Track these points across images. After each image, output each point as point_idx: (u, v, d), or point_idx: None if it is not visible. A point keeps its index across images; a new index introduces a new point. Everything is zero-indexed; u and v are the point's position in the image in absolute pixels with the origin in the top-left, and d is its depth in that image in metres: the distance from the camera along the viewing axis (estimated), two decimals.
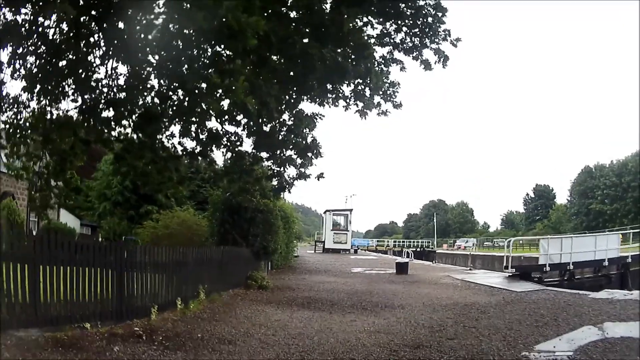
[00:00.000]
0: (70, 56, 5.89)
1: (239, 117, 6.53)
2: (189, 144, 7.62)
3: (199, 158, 7.64)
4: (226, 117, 6.52)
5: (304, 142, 6.80)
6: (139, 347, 5.32)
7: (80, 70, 5.99)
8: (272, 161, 7.56)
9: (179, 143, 7.48)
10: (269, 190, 8.77)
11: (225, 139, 7.38)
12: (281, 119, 6.62)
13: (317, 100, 6.60)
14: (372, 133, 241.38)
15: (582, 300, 9.18)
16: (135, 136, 6.86)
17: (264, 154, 7.31)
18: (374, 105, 6.80)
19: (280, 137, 6.79)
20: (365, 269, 17.75)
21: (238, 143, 7.49)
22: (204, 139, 7.36)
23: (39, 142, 6.66)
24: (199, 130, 7.04)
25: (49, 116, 6.47)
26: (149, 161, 7.28)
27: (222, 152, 7.65)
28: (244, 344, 5.61)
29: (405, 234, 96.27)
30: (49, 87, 6.14)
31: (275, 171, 7.84)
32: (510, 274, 13.59)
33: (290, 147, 6.93)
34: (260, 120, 6.44)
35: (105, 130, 6.64)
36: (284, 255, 18.20)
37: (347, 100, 6.75)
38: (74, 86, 6.18)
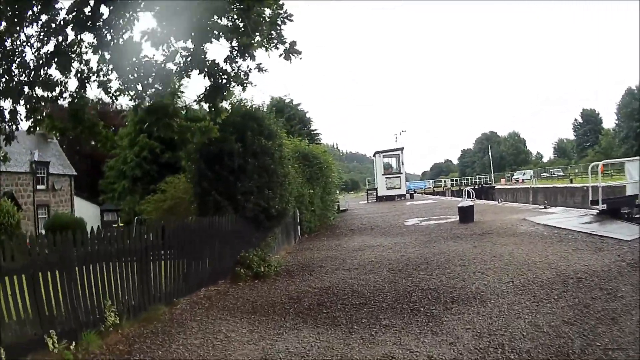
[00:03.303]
0: None
1: None
2: None
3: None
4: None
5: None
6: None
7: None
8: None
9: None
10: (200, 97, 4.98)
11: None
12: None
13: None
14: (418, 63, 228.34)
15: None
16: None
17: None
18: None
19: None
20: (422, 219, 14.19)
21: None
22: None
23: None
24: None
25: None
26: None
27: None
28: None
29: (461, 171, 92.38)
30: None
31: (187, 54, 4.05)
32: (599, 211, 10.28)
33: None
34: None
35: None
36: (318, 213, 14.43)
37: None
38: None
